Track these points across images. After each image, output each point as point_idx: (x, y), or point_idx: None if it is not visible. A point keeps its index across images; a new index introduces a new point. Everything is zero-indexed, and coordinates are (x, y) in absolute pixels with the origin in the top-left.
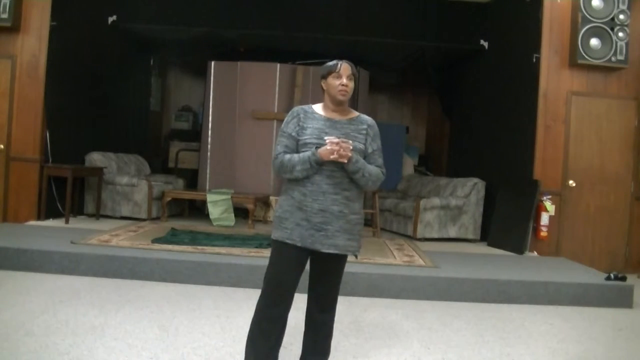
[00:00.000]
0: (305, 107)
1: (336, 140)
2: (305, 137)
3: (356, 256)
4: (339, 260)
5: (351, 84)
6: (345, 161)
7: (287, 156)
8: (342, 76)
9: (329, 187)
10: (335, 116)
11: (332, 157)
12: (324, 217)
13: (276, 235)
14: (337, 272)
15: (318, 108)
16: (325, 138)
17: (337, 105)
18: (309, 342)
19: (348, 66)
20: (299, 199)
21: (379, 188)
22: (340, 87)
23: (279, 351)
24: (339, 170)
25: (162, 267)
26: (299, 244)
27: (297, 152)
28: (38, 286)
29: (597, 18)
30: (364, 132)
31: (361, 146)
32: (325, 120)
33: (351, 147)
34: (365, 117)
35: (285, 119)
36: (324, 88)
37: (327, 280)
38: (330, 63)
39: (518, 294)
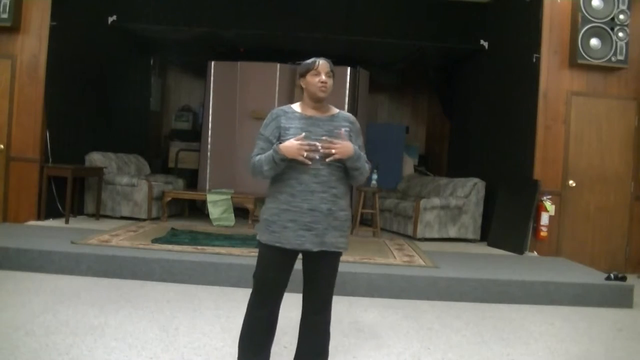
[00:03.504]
0: (285, 107)
1: (306, 142)
2: (289, 137)
3: (341, 253)
4: (332, 258)
5: (330, 81)
6: (338, 157)
7: (257, 157)
8: (320, 73)
9: (317, 185)
10: (316, 114)
11: (299, 158)
12: (314, 216)
13: (264, 238)
14: (330, 271)
15: (297, 107)
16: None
17: (317, 102)
18: (305, 344)
19: (326, 63)
20: (286, 200)
21: (379, 188)
22: (320, 84)
23: (270, 350)
24: (325, 168)
25: (162, 267)
26: (287, 247)
27: None
28: (38, 286)
29: (597, 18)
30: (347, 129)
31: None
32: (307, 118)
33: (338, 145)
34: (346, 113)
35: (264, 121)
36: (303, 86)
37: (321, 280)
38: (309, 61)
39: (518, 294)
